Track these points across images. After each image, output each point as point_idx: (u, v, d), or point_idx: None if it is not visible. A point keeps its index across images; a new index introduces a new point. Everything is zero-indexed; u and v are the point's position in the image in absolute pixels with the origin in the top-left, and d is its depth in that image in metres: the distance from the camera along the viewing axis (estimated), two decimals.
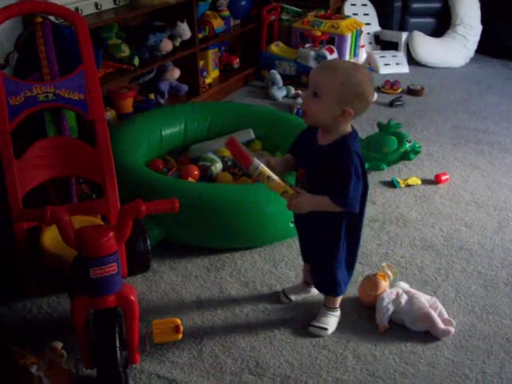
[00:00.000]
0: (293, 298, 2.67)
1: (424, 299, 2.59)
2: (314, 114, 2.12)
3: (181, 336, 2.17)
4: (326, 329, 2.50)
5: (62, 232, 1.89)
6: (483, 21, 6.28)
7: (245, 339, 2.46)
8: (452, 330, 2.52)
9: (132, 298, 2.01)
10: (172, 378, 2.26)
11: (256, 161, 2.05)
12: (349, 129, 2.18)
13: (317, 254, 2.42)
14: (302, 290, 2.70)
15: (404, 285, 2.72)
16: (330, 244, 2.31)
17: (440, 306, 2.60)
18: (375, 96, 5.09)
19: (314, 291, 2.66)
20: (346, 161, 2.10)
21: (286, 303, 2.66)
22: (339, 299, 2.52)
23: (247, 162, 2.05)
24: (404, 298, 2.58)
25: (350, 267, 2.43)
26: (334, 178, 2.12)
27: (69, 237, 1.89)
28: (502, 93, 5.54)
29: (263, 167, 2.07)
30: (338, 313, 2.55)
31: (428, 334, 2.52)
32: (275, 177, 2.10)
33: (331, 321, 2.52)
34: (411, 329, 2.54)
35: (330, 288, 2.48)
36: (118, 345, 1.96)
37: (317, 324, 2.51)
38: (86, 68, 2.40)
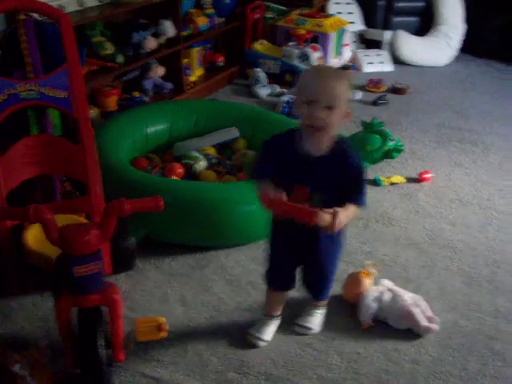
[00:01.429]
0: (265, 337, 2.43)
1: (407, 297, 2.60)
2: (331, 126, 2.02)
3: (165, 334, 2.17)
4: (311, 328, 2.49)
5: (46, 230, 1.88)
6: (467, 20, 6.32)
7: (230, 337, 2.46)
8: (435, 327, 2.53)
9: (116, 296, 2.01)
10: (157, 376, 2.25)
11: (318, 211, 1.95)
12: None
13: (319, 264, 2.33)
14: (270, 325, 2.47)
15: (388, 282, 2.73)
16: (337, 247, 2.31)
17: (423, 303, 2.61)
18: (360, 94, 5.11)
19: (278, 322, 2.49)
20: (356, 160, 2.10)
21: (264, 345, 2.43)
22: None
23: (314, 213, 1.95)
24: (387, 296, 2.59)
25: None
26: (348, 182, 2.07)
27: (52, 235, 1.88)
28: (485, 91, 5.57)
29: (323, 213, 1.96)
30: (324, 310, 2.55)
31: (411, 332, 2.53)
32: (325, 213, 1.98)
33: (317, 320, 2.51)
34: (395, 326, 2.55)
35: (327, 292, 2.48)
36: (101, 343, 1.96)
37: (302, 323, 2.50)
38: (69, 66, 2.39)
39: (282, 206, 1.98)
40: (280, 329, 2.50)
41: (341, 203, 2.03)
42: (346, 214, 2.02)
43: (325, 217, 1.95)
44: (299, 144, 2.09)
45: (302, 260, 2.35)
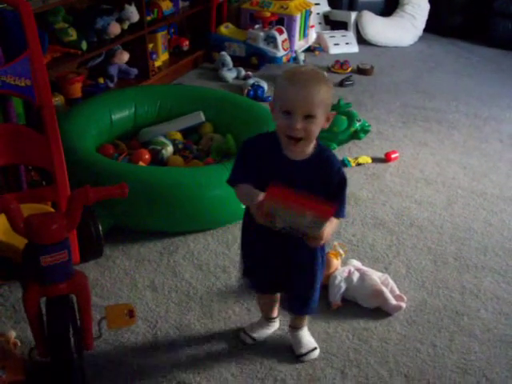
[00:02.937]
0: (256, 335, 2.40)
1: (375, 276, 2.63)
2: (313, 136, 1.86)
3: (135, 321, 2.17)
4: (315, 348, 2.35)
5: (11, 220, 1.87)
6: (430, 0, 6.35)
7: (199, 321, 2.47)
8: (403, 305, 2.57)
9: (84, 284, 2.00)
10: (127, 362, 2.26)
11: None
12: None
13: (300, 274, 2.14)
14: (265, 327, 2.42)
15: (356, 262, 2.77)
16: (316, 258, 2.11)
17: (391, 282, 2.65)
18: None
19: (276, 325, 2.45)
20: (339, 171, 1.95)
21: (251, 343, 2.39)
22: None
23: (331, 210, 1.77)
24: (356, 276, 2.62)
25: None
26: (329, 192, 1.91)
27: (18, 225, 1.87)
28: (450, 71, 5.63)
29: None
30: (306, 327, 2.40)
31: (380, 310, 2.56)
32: None
33: (310, 337, 2.38)
34: (363, 306, 2.58)
35: (312, 307, 2.25)
36: (71, 332, 1.96)
37: (305, 350, 2.34)
38: (31, 53, 2.35)
39: (290, 197, 1.74)
40: (249, 311, 2.51)
41: None
42: (331, 228, 1.91)
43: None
44: (279, 148, 1.93)
45: (279, 274, 2.16)
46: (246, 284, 2.30)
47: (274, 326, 2.44)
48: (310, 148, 1.92)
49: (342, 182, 1.96)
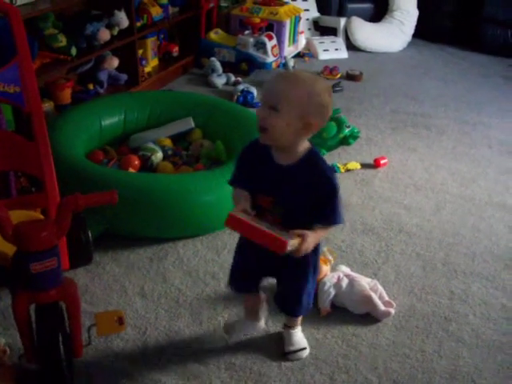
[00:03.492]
0: (234, 336, 2.42)
1: (364, 282, 2.64)
2: (275, 130, 1.84)
3: (125, 327, 2.16)
4: (305, 348, 2.37)
5: (0, 227, 1.87)
6: (419, 6, 6.39)
7: (189, 328, 2.47)
8: (392, 311, 2.58)
9: (73, 291, 2.00)
10: (117, 369, 2.26)
11: (288, 240, 1.77)
12: (307, 144, 1.95)
13: (291, 276, 2.17)
14: (245, 327, 2.44)
15: (345, 268, 2.77)
16: (308, 265, 2.12)
17: (380, 288, 2.66)
18: None
19: (261, 326, 2.45)
20: (329, 178, 1.92)
21: (229, 341, 2.43)
22: None
23: (282, 244, 1.75)
24: (345, 282, 2.63)
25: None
26: (317, 199, 1.91)
27: (6, 232, 1.87)
28: (439, 76, 5.67)
29: (293, 241, 1.80)
30: (300, 328, 2.42)
31: (369, 316, 2.57)
32: (294, 239, 1.83)
33: (302, 338, 2.40)
34: (353, 312, 2.59)
35: (302, 308, 2.28)
36: (60, 339, 1.95)
37: (294, 348, 2.36)
38: (20, 60, 2.35)
39: (245, 228, 1.81)
40: (239, 319, 2.50)
41: (308, 221, 1.92)
42: (315, 237, 1.90)
43: (293, 242, 1.80)
44: (270, 152, 1.96)
45: (270, 272, 2.23)
46: (233, 286, 2.34)
47: (253, 328, 2.44)
48: (298, 153, 1.92)
49: (332, 190, 1.93)
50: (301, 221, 1.91)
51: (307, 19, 6.25)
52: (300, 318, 2.39)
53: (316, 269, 2.19)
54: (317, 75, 1.95)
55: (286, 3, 5.83)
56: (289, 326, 2.40)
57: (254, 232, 1.79)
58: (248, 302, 2.41)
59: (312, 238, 1.88)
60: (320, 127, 1.91)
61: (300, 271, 2.13)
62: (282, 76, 1.90)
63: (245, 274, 2.27)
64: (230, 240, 3.00)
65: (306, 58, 5.92)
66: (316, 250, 2.08)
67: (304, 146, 1.93)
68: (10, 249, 2.06)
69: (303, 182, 1.92)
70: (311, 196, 1.91)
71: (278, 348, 2.39)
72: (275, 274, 2.23)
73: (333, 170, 1.99)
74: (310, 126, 1.86)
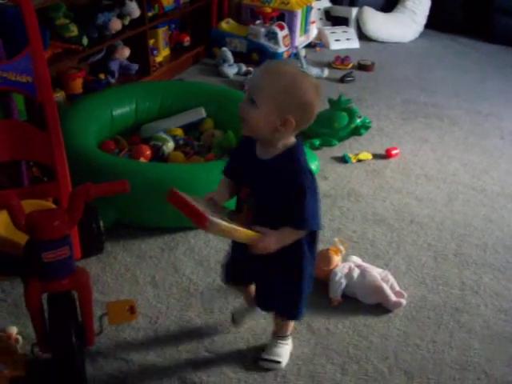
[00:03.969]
0: (239, 322, 2.43)
1: (376, 272, 2.64)
2: (251, 123, 1.82)
3: (136, 317, 2.17)
4: (279, 362, 2.27)
5: (13, 217, 1.87)
6: None
7: (200, 318, 2.48)
8: (403, 301, 2.57)
9: (85, 280, 2.00)
10: (128, 358, 2.27)
11: (212, 220, 1.73)
12: (292, 140, 1.90)
13: (277, 281, 2.09)
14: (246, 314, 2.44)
15: (356, 259, 2.77)
16: (294, 271, 2.05)
17: (391, 278, 2.66)
18: (327, 72, 5.12)
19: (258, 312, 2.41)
20: (297, 177, 1.85)
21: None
22: (292, 325, 2.30)
23: (203, 220, 1.72)
24: (356, 272, 2.62)
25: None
26: (287, 199, 1.86)
27: (19, 221, 1.87)
28: (450, 67, 5.63)
29: (221, 222, 1.76)
30: (290, 340, 2.32)
31: (380, 307, 2.57)
32: (236, 226, 1.82)
33: (284, 351, 2.29)
34: (364, 302, 2.59)
35: (291, 312, 2.19)
36: (72, 328, 1.96)
37: (268, 357, 2.27)
38: (32, 49, 2.36)
39: (177, 201, 1.81)
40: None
41: (279, 221, 1.88)
42: (277, 237, 1.87)
43: (218, 228, 1.76)
44: (255, 146, 1.94)
45: (254, 266, 2.11)
46: (222, 277, 2.31)
47: (251, 314, 2.42)
48: (278, 148, 1.88)
49: (300, 190, 1.84)
50: (272, 218, 1.90)
51: (319, 9, 6.22)
52: (290, 327, 2.30)
53: (303, 274, 2.06)
54: (305, 71, 1.92)
55: None
56: (275, 333, 2.31)
57: (185, 207, 1.79)
58: (242, 292, 2.40)
59: (273, 237, 1.86)
60: (302, 126, 1.86)
61: (278, 269, 2.04)
62: (265, 69, 1.85)
63: (234, 266, 2.22)
64: None
65: (318, 48, 5.89)
66: (301, 257, 2.01)
67: (287, 142, 1.89)
68: (22, 238, 2.07)
69: (276, 179, 1.87)
70: (282, 194, 1.86)
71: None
72: (259, 271, 2.12)
73: (307, 170, 1.89)
74: (289, 124, 1.81)
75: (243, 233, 1.84)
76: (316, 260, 2.13)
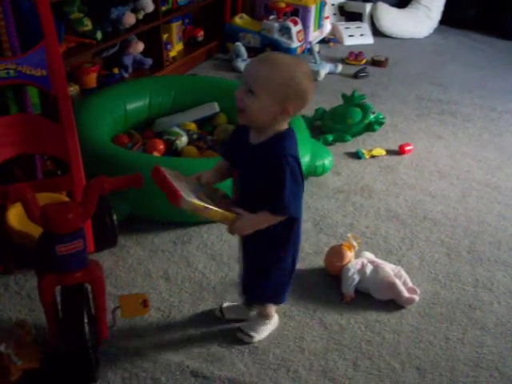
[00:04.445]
0: (227, 316, 2.44)
1: (389, 268, 2.64)
2: (251, 112, 1.86)
3: (149, 310, 2.18)
4: (252, 336, 2.34)
5: (27, 209, 1.88)
6: None
7: (212, 312, 2.48)
8: (416, 298, 2.57)
9: (99, 273, 2.02)
10: (141, 352, 2.27)
11: (185, 198, 1.80)
12: (284, 126, 1.94)
13: (257, 262, 2.17)
14: (240, 312, 2.47)
15: (369, 255, 2.77)
16: (273, 253, 2.10)
17: (404, 274, 2.65)
18: (340, 67, 5.11)
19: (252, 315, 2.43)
20: (277, 161, 1.86)
21: (219, 316, 2.45)
22: (274, 308, 2.38)
23: (175, 197, 1.81)
24: (369, 268, 2.62)
25: (292, 273, 2.21)
26: (267, 183, 1.88)
27: (34, 214, 1.88)
28: (464, 63, 5.60)
29: (194, 200, 1.83)
30: (273, 320, 2.39)
31: (393, 303, 2.56)
32: (210, 206, 1.88)
33: (262, 329, 2.36)
34: (376, 298, 2.58)
35: (258, 294, 2.29)
36: (85, 321, 1.97)
37: (244, 329, 2.35)
38: (47, 43, 2.36)
39: (157, 178, 1.93)
40: None
41: (260, 206, 1.91)
42: (252, 222, 1.93)
43: (191, 205, 1.82)
44: (248, 131, 1.98)
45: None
46: None
47: (248, 314, 2.43)
48: (267, 133, 1.92)
49: (279, 173, 1.86)
50: (254, 202, 1.93)
51: (332, 4, 6.20)
52: (273, 310, 2.36)
53: (277, 262, 2.12)
54: (298, 58, 1.94)
55: None
56: (259, 314, 2.37)
57: (162, 183, 1.90)
58: None
59: (248, 219, 1.92)
60: (297, 113, 1.93)
61: (259, 248, 2.11)
62: (261, 59, 1.90)
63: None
64: None
65: (331, 44, 5.88)
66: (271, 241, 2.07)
67: (280, 127, 1.93)
68: (35, 231, 2.08)
69: (260, 162, 1.91)
70: (264, 178, 1.89)
71: (299, 335, 2.39)
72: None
73: (290, 155, 1.88)
74: (287, 111, 1.87)
75: (218, 212, 1.89)
76: (296, 251, 2.17)
